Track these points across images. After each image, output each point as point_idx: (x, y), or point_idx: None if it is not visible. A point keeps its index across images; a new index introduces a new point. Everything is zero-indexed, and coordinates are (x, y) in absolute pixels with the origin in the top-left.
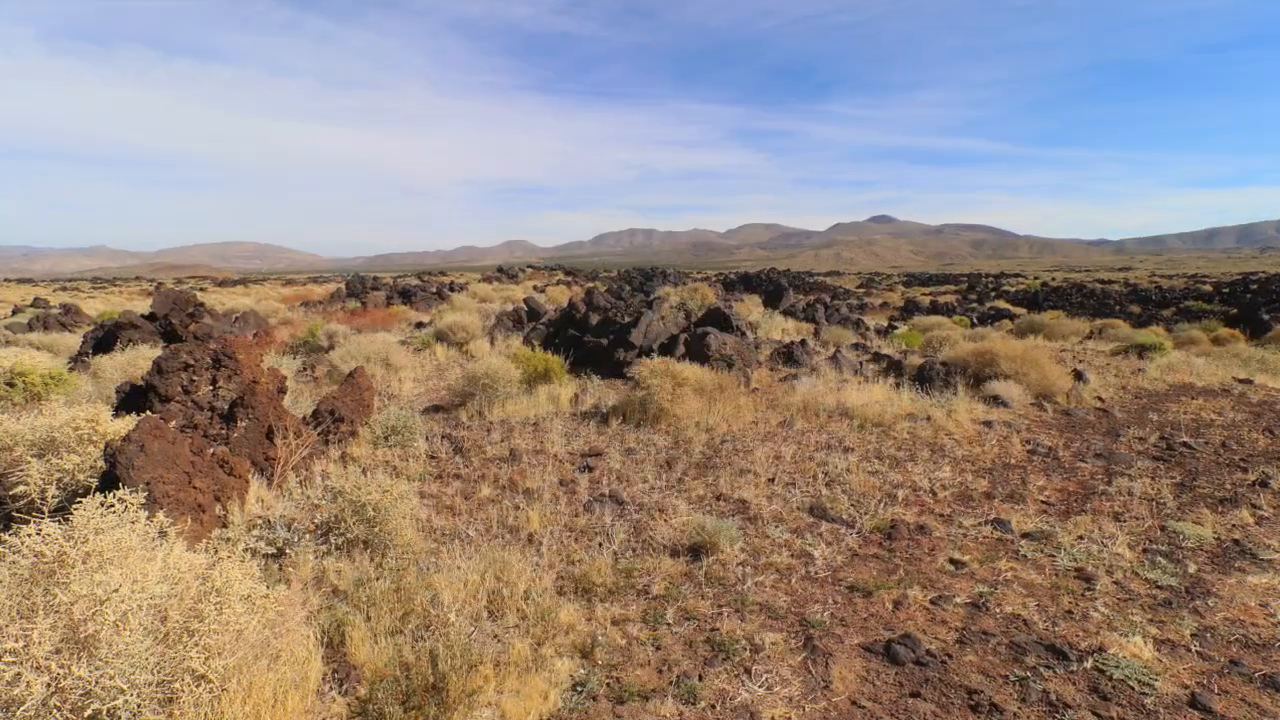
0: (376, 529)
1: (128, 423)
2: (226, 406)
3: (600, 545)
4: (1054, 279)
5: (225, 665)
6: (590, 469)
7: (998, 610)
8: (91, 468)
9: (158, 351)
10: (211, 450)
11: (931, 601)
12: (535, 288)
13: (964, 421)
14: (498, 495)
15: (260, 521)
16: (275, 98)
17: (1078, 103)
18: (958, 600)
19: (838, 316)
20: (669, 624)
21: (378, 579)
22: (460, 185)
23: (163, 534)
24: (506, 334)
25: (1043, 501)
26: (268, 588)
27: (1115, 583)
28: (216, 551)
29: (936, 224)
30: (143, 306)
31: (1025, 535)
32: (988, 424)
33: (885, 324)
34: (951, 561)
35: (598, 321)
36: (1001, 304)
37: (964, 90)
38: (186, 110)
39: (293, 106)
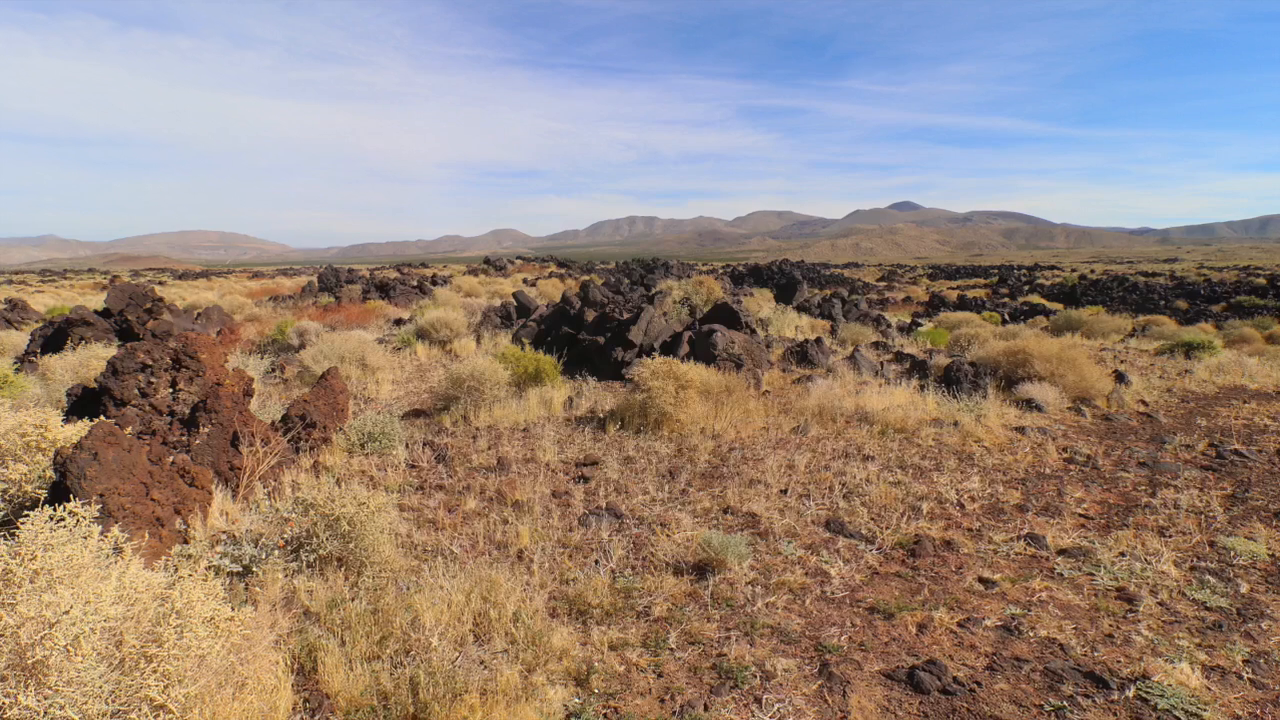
0: (352, 545)
1: (79, 429)
2: (188, 411)
3: (596, 563)
4: (1093, 271)
5: (186, 694)
6: (585, 479)
7: (1031, 634)
8: (40, 478)
9: (112, 351)
10: (171, 459)
11: (959, 624)
12: (525, 281)
13: (995, 427)
14: (484, 508)
15: (225, 536)
16: (240, 72)
17: (1119, 78)
18: (988, 623)
19: (856, 312)
20: (672, 649)
21: (353, 600)
22: (443, 169)
23: (118, 550)
24: (494, 331)
25: (1080, 515)
26: (233, 609)
27: (1160, 604)
28: (177, 569)
29: (964, 211)
30: (96, 301)
31: (1061, 552)
32: (1021, 430)
33: (908, 320)
34: (981, 580)
35: (594, 318)
36: (1035, 299)
37: (995, 64)
38: (143, 86)
39: (259, 82)
